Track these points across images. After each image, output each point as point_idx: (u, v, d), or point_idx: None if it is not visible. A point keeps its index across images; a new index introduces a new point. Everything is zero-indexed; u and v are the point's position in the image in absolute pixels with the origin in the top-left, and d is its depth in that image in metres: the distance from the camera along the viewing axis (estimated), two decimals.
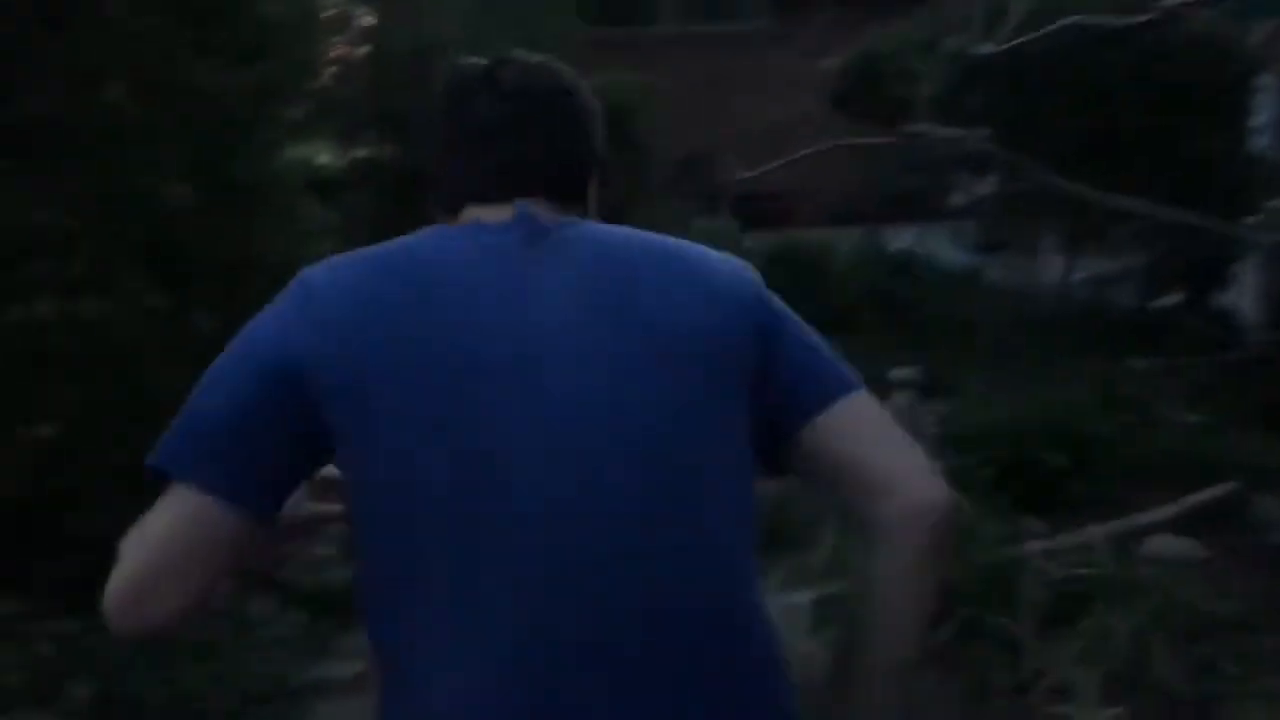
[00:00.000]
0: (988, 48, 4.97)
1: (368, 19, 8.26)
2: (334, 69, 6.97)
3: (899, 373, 5.46)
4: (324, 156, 12.16)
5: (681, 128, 11.78)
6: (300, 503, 1.09)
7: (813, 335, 1.14)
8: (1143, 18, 4.64)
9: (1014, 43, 4.75)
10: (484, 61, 1.14)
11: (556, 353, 0.98)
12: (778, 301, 1.13)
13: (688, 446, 0.99)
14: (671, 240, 1.13)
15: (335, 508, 1.11)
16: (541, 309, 1.00)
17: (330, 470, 1.04)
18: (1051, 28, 4.67)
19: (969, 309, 6.15)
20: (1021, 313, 5.87)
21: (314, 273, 1.02)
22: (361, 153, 11.99)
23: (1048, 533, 3.55)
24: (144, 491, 0.95)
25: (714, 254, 1.14)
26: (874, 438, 1.08)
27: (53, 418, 2.85)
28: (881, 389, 5.54)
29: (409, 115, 11.70)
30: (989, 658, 2.89)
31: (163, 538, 0.94)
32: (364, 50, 8.38)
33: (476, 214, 1.08)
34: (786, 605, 3.00)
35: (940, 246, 7.03)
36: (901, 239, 7.52)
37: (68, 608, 3.15)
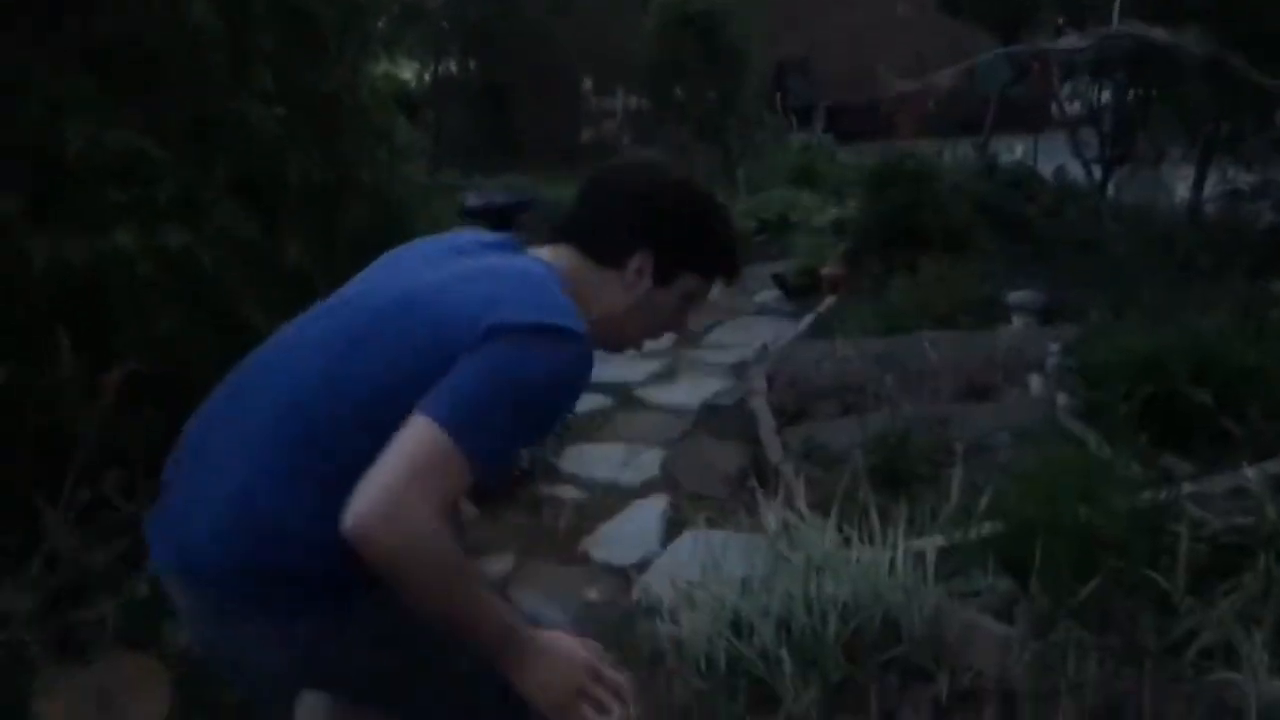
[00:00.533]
0: None
1: None
2: None
3: (1015, 296, 5.15)
4: (407, 73, 12.03)
5: (777, 35, 11.36)
6: None
7: (471, 376, 1.37)
8: None
9: None
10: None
11: (352, 305, 1.52)
12: (497, 352, 1.38)
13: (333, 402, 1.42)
14: (481, 290, 1.46)
15: None
16: (390, 284, 1.51)
17: None
18: None
19: (1089, 227, 5.76)
20: (1148, 231, 5.47)
21: None
22: (446, 68, 11.80)
23: (1195, 475, 3.27)
24: None
25: (476, 301, 1.43)
26: (389, 450, 1.31)
27: (139, 351, 2.72)
28: (997, 312, 5.26)
29: (493, 29, 11.44)
30: (1137, 615, 2.66)
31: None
32: None
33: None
34: (911, 551, 2.80)
35: (1057, 159, 6.60)
36: (1013, 151, 7.09)
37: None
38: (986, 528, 2.96)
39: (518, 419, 1.37)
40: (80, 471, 2.94)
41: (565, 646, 1.44)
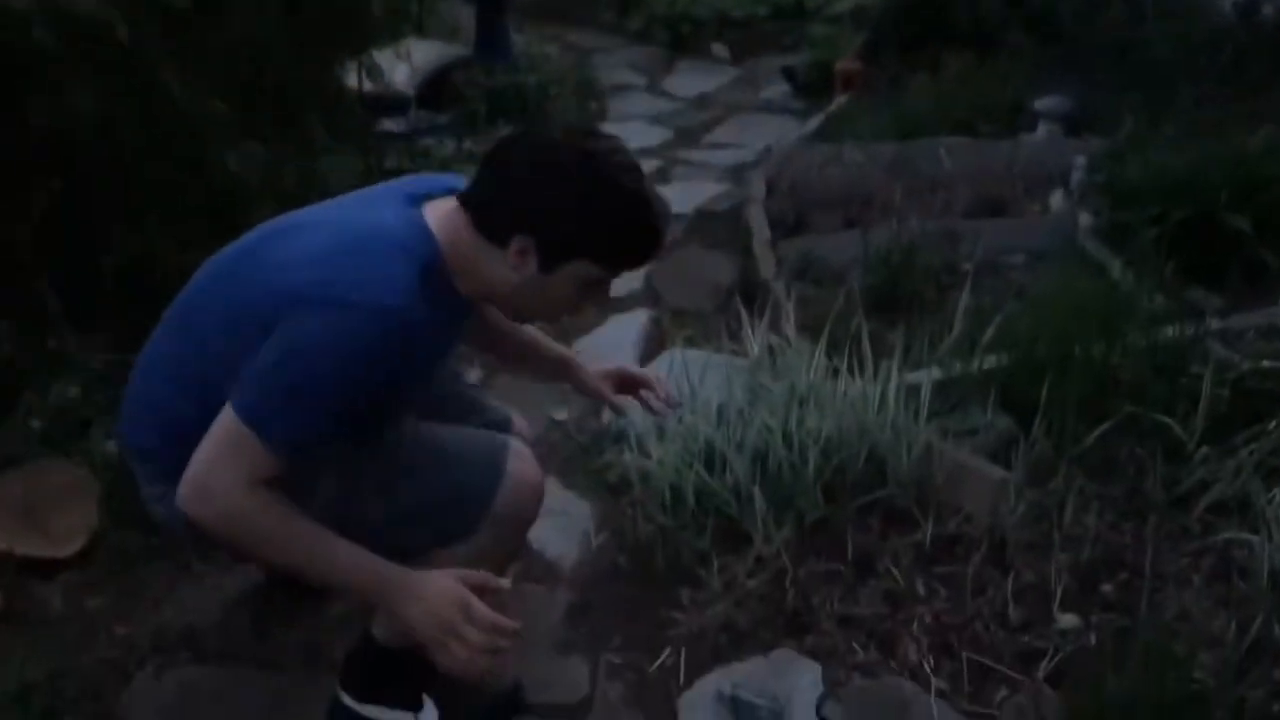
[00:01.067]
0: None
1: None
2: None
3: (1042, 102, 4.73)
4: None
5: None
6: None
7: (266, 359, 1.43)
8: None
9: None
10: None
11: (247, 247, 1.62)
12: (291, 329, 1.42)
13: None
14: (307, 252, 1.49)
15: None
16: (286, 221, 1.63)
17: None
18: None
19: (1126, 28, 5.25)
20: (1192, 34, 4.97)
21: None
22: None
23: (1225, 311, 2.98)
24: None
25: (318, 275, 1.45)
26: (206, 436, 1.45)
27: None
28: (1022, 120, 4.84)
29: None
30: (1146, 463, 2.44)
31: None
32: None
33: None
34: (904, 384, 2.55)
35: None
36: None
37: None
38: (990, 360, 2.70)
39: (311, 397, 1.42)
40: None
41: (437, 586, 1.45)
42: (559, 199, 1.47)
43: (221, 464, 1.42)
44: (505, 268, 1.52)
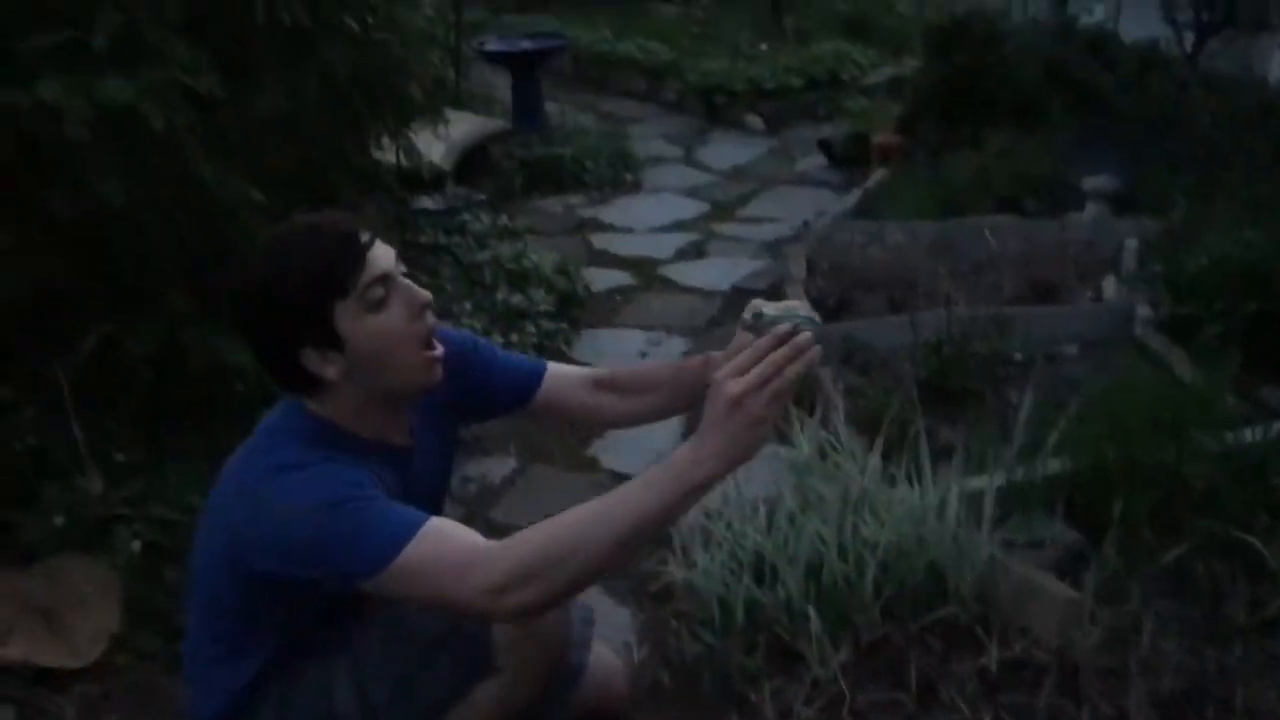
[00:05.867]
0: None
1: None
2: None
3: (1090, 180, 4.63)
4: None
5: None
6: None
7: (300, 536, 1.37)
8: None
9: None
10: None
11: None
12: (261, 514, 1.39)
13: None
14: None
15: None
16: None
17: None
18: None
19: (1177, 103, 5.15)
20: (1248, 111, 4.87)
21: None
22: None
23: None
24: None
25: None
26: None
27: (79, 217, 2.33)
28: (1068, 197, 4.73)
29: None
30: (1226, 581, 2.29)
31: None
32: None
33: None
34: (965, 491, 2.41)
35: (1144, 22, 5.92)
36: (1092, 12, 6.39)
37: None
38: (1053, 465, 2.57)
39: (342, 511, 1.35)
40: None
41: (710, 417, 1.28)
42: (268, 312, 1.42)
43: (456, 584, 1.29)
44: (340, 384, 1.45)
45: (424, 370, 1.50)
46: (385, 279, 1.43)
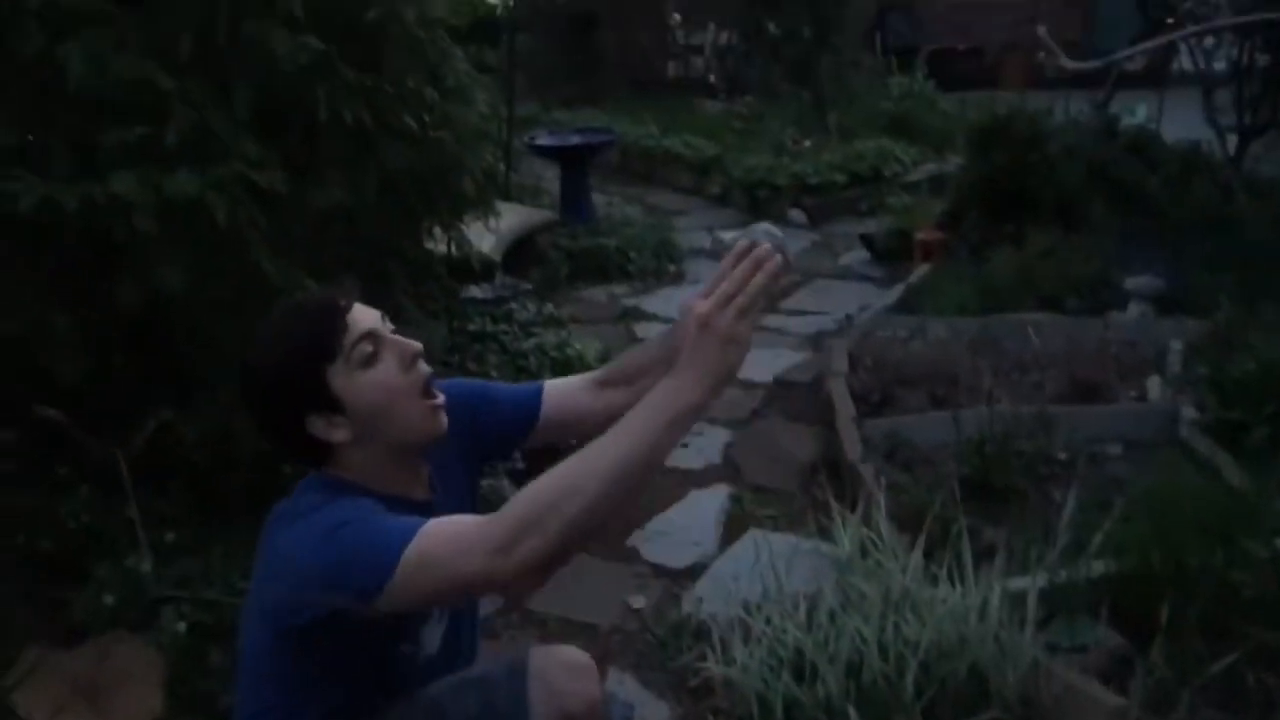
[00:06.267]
0: None
1: None
2: None
3: (1133, 280, 4.63)
4: None
5: None
6: None
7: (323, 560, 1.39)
8: None
9: None
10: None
11: None
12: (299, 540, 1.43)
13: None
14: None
15: None
16: None
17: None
18: None
19: (1220, 205, 5.17)
20: None
21: None
22: None
23: None
24: None
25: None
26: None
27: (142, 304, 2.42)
28: (1111, 296, 4.73)
29: None
30: (1278, 693, 2.24)
31: None
32: None
33: None
34: (1007, 591, 2.40)
35: (1186, 124, 5.98)
36: (1135, 113, 6.46)
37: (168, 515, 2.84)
38: (1098, 568, 2.55)
39: (355, 527, 1.39)
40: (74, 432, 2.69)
41: (695, 352, 1.30)
42: (265, 389, 1.50)
43: (465, 559, 1.31)
44: (351, 446, 1.50)
45: (428, 419, 1.54)
46: (371, 335, 1.49)
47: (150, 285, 2.49)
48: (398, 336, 1.53)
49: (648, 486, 1.36)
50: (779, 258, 1.32)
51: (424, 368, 1.53)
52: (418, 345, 1.53)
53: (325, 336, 1.47)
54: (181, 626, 2.57)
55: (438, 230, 3.62)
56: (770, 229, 1.39)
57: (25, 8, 2.35)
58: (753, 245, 1.32)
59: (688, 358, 1.29)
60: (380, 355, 1.49)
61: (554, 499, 1.28)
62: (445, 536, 1.33)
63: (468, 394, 1.74)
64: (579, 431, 1.70)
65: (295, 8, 2.52)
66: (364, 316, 1.50)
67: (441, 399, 1.55)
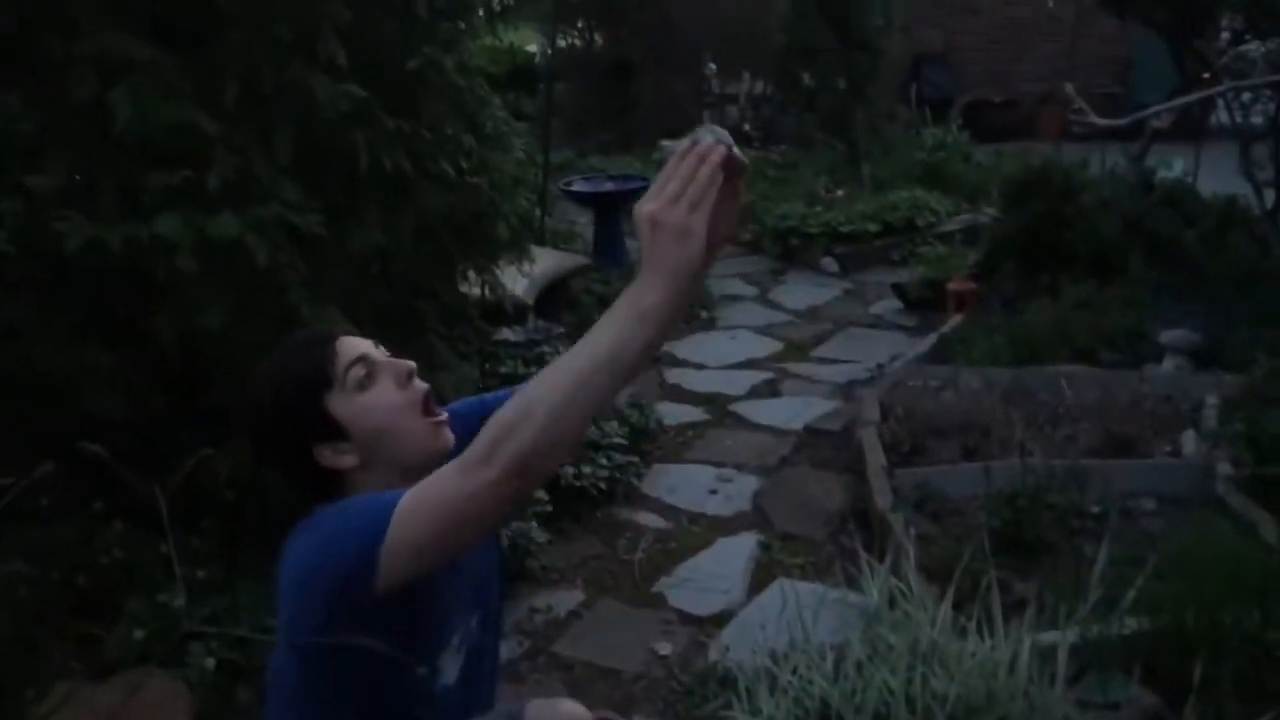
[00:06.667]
0: None
1: None
2: None
3: (1168, 334, 4.60)
4: (533, 45, 11.75)
5: (917, 26, 10.74)
6: None
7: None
8: None
9: None
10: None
11: None
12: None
13: None
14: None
15: None
16: None
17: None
18: None
19: (1259, 258, 5.13)
20: None
21: None
22: (569, 41, 11.52)
23: None
24: None
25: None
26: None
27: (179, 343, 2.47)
28: (1145, 350, 4.70)
29: (619, 3, 11.09)
30: None
31: None
32: None
33: None
34: (1037, 646, 2.37)
35: (1222, 179, 5.95)
36: (1172, 167, 6.44)
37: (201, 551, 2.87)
38: (1130, 624, 2.51)
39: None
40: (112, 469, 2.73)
41: (651, 252, 1.28)
42: (269, 425, 1.53)
43: (451, 484, 1.30)
44: (360, 472, 1.51)
45: (431, 435, 1.55)
46: (363, 359, 1.52)
47: (190, 324, 2.54)
48: (391, 358, 1.56)
49: (626, 385, 1.31)
50: (723, 149, 1.30)
51: (420, 384, 1.55)
52: (410, 363, 1.56)
53: (318, 365, 1.51)
54: (210, 663, 2.59)
55: (472, 273, 3.67)
56: (714, 129, 1.36)
57: (79, 55, 2.42)
58: (694, 143, 1.31)
59: (645, 259, 1.27)
60: (375, 377, 1.52)
61: (527, 406, 1.26)
62: (428, 480, 1.34)
63: (469, 409, 1.73)
64: None
65: (338, 56, 2.58)
66: (355, 343, 1.55)
67: (444, 415, 1.57)
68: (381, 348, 1.57)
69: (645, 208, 1.27)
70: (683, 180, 1.28)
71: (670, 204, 1.27)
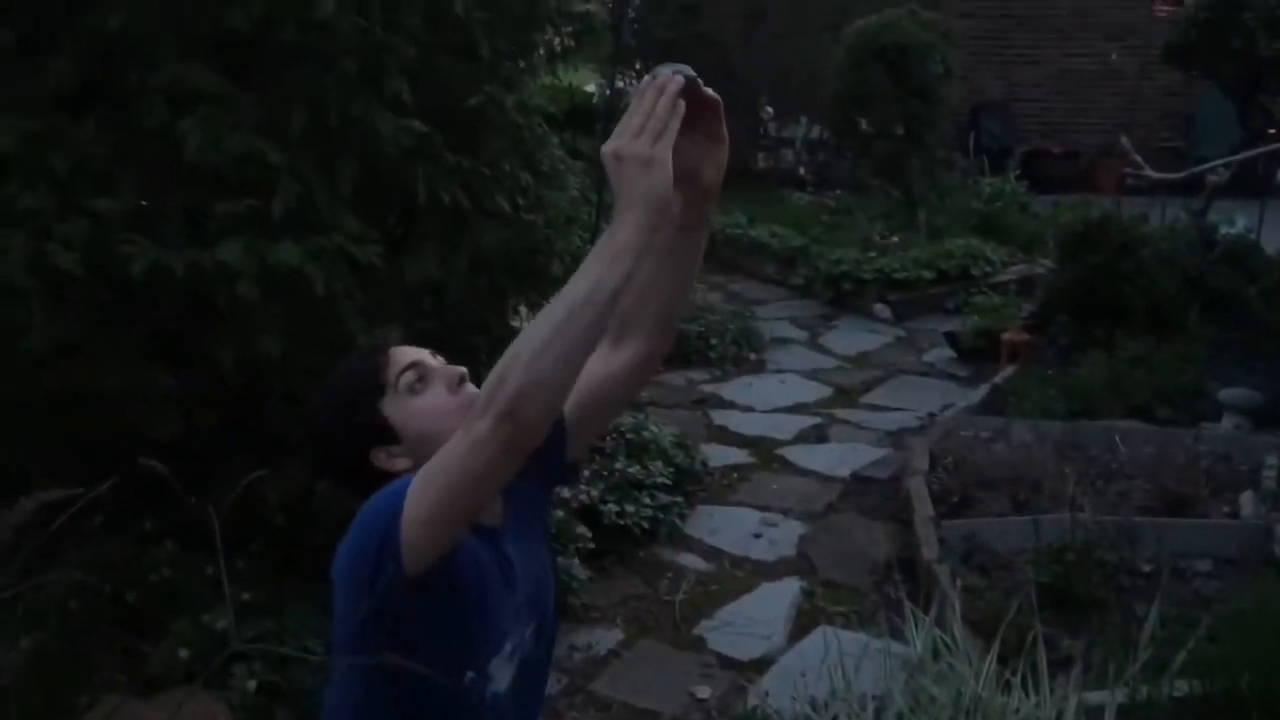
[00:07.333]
0: None
1: None
2: None
3: (1227, 392, 4.51)
4: (592, 85, 11.90)
5: (976, 76, 10.73)
6: None
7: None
8: None
9: None
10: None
11: None
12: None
13: None
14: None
15: None
16: None
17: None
18: None
19: None
20: None
21: None
22: (626, 82, 11.63)
23: None
24: None
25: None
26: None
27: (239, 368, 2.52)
28: (1203, 408, 4.61)
29: (678, 47, 11.19)
30: None
31: None
32: None
33: None
34: (1083, 705, 2.32)
35: None
36: (1234, 223, 6.35)
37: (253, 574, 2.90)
38: (1180, 685, 2.45)
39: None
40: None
41: (619, 187, 1.29)
42: (328, 431, 1.57)
43: (460, 440, 1.31)
44: (405, 472, 1.50)
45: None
46: (415, 364, 1.54)
47: (249, 350, 2.59)
48: (444, 363, 1.58)
49: (609, 317, 1.30)
50: (680, 79, 1.31)
51: (471, 389, 1.55)
52: (462, 369, 1.57)
53: (372, 373, 1.55)
54: (252, 685, 2.61)
55: (524, 309, 3.71)
56: (675, 65, 1.37)
57: (152, 85, 2.50)
58: (653, 78, 1.33)
59: (619, 195, 1.29)
60: (428, 381, 1.54)
61: (513, 354, 1.28)
62: (445, 446, 1.36)
63: None
64: (615, 396, 1.68)
65: (402, 92, 2.63)
66: (408, 351, 1.58)
67: None
68: (439, 356, 1.59)
69: (609, 146, 1.29)
70: (643, 114, 1.30)
71: (633, 138, 1.29)
